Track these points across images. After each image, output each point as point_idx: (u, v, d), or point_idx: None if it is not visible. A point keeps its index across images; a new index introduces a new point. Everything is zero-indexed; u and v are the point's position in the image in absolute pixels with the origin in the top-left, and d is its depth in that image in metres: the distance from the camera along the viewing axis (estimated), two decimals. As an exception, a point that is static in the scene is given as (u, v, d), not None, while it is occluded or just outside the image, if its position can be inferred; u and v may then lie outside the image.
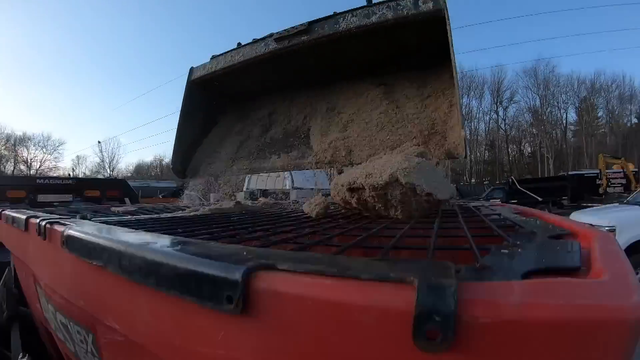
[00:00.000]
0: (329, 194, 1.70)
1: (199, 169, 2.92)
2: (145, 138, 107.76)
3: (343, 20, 2.21)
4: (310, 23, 2.32)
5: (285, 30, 2.42)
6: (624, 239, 6.87)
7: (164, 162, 61.12)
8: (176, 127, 2.88)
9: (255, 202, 2.07)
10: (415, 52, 2.40)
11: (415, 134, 2.21)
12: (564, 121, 54.13)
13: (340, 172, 2.30)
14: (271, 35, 2.48)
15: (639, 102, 51.02)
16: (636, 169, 19.75)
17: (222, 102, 3.18)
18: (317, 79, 2.80)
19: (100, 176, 51.29)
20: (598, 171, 21.34)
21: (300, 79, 2.83)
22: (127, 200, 7.42)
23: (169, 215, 1.50)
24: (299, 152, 2.63)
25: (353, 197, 1.37)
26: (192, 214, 1.58)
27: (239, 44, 2.69)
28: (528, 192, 21.30)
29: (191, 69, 2.92)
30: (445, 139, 2.12)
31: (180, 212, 1.69)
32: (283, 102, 2.98)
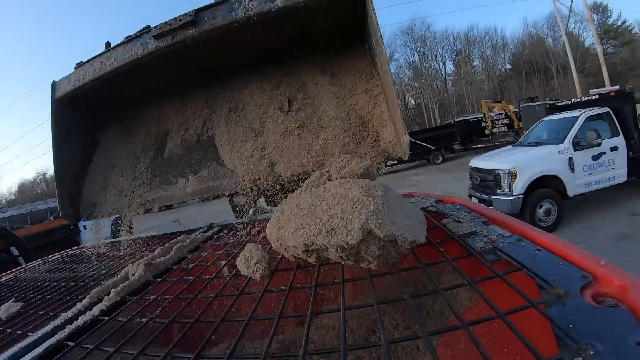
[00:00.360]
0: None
1: (93, 208, 2.35)
2: (22, 154, 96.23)
3: (240, 5, 1.76)
4: (198, 11, 1.83)
5: (165, 23, 1.89)
6: (525, 178, 7.86)
7: (47, 176, 55.61)
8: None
9: (168, 251, 1.60)
10: (327, 38, 2.05)
11: (343, 135, 1.92)
12: (443, 73, 58.98)
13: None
14: (148, 29, 1.95)
15: (510, 50, 57.35)
16: (516, 109, 21.43)
17: (100, 116, 2.54)
18: (211, 76, 2.32)
19: None
20: (482, 115, 23.09)
21: (190, 77, 2.32)
22: (13, 250, 6.28)
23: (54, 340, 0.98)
24: (210, 171, 2.18)
25: (311, 257, 1.02)
26: (96, 310, 1.10)
27: (107, 44, 2.12)
28: (420, 142, 22.40)
29: (53, 84, 2.24)
30: (379, 138, 1.86)
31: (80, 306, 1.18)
32: (173, 106, 2.46)
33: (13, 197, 56.40)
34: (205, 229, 2.11)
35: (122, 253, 2.05)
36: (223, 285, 1.15)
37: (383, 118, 1.88)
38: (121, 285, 1.24)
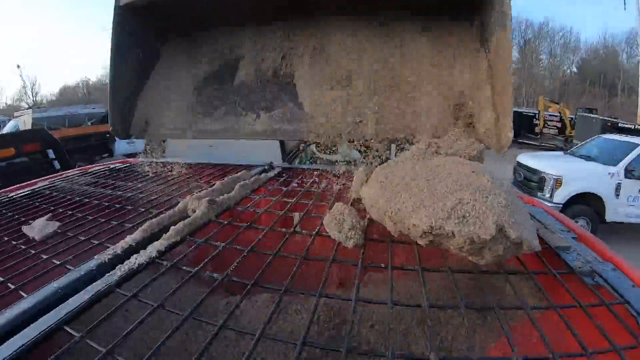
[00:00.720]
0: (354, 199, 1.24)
1: (146, 127, 2.16)
2: (68, 58, 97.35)
3: None
4: None
5: None
6: (569, 189, 7.72)
7: (90, 83, 56.77)
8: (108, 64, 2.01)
9: (229, 188, 1.43)
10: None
11: (437, 108, 1.70)
12: (507, 58, 57.02)
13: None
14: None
15: (581, 54, 54.38)
16: (572, 116, 20.53)
17: (165, 30, 2.25)
18: (299, 8, 2.00)
19: (24, 104, 46.44)
20: (537, 112, 22.04)
21: (276, 4, 2.01)
22: (50, 152, 6.25)
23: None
24: (286, 112, 1.95)
25: (424, 239, 0.87)
26: (152, 250, 0.91)
27: None
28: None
29: None
30: (474, 122, 1.62)
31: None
32: (250, 30, 2.15)
33: (54, 98, 57.65)
34: (266, 167, 1.96)
35: (172, 177, 1.90)
36: (308, 246, 0.97)
37: (483, 103, 1.62)
38: (182, 223, 1.06)
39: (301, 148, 3.07)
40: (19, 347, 0.61)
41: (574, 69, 55.40)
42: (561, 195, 7.68)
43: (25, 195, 1.67)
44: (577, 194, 7.69)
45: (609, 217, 7.72)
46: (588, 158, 8.73)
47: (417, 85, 1.77)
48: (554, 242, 1.02)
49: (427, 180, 0.94)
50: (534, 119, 21.73)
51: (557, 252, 0.97)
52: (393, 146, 1.84)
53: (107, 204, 1.42)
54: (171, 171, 2.00)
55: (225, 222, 1.16)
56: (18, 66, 50.09)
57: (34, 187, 1.79)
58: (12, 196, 1.66)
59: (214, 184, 1.50)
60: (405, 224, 0.88)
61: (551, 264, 0.91)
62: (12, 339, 0.64)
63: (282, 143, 3.06)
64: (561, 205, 7.58)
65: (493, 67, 1.56)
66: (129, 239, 0.99)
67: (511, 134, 1.38)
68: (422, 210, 0.85)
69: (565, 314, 0.72)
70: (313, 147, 4.11)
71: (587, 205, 7.76)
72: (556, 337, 0.68)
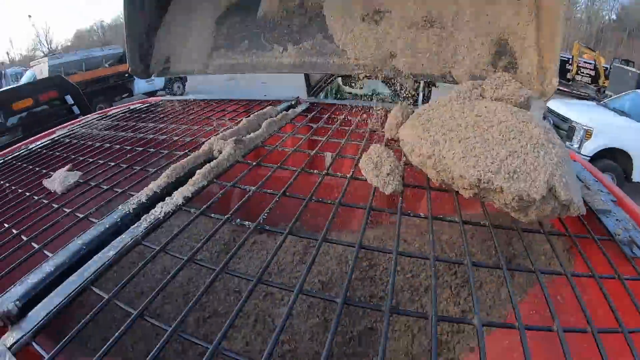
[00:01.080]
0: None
1: (167, 64, 2.05)
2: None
3: None
4: None
5: None
6: (599, 142, 7.33)
7: (105, 24, 55.67)
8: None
9: (256, 126, 1.37)
10: None
11: (478, 46, 1.54)
12: (542, -1, 54.39)
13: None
14: None
15: (622, 1, 50.46)
16: (607, 65, 19.43)
17: None
18: None
19: (39, 53, 45.81)
20: (570, 57, 20.93)
21: None
22: (68, 98, 6.19)
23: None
24: (315, 44, 1.81)
25: (469, 191, 0.82)
26: (178, 197, 0.85)
27: None
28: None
29: None
30: (516, 64, 1.47)
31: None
32: None
33: (69, 44, 56.87)
34: (293, 103, 1.87)
35: (194, 115, 1.82)
36: (343, 191, 0.90)
37: (526, 43, 1.47)
38: (208, 166, 0.99)
39: (327, 81, 2.93)
40: (46, 315, 0.57)
41: (613, 16, 51.71)
42: (590, 148, 7.30)
43: (44, 145, 1.61)
44: (605, 148, 7.31)
45: (636, 176, 7.35)
46: (621, 113, 8.20)
47: (455, 20, 1.62)
48: (594, 204, 0.98)
49: (475, 127, 0.87)
50: (567, 64, 20.68)
51: (597, 215, 0.93)
52: (421, 83, 1.71)
53: (128, 147, 1.37)
54: (193, 109, 1.92)
55: (254, 163, 1.10)
56: (29, 16, 50.19)
57: (53, 137, 1.73)
58: (31, 148, 1.61)
59: (238, 122, 1.43)
60: (450, 173, 0.83)
61: (590, 228, 0.88)
62: (38, 305, 0.60)
63: (307, 76, 2.94)
64: (589, 158, 7.22)
65: (541, 4, 1.41)
66: (153, 186, 0.94)
67: (556, 80, 1.28)
68: (470, 160, 0.79)
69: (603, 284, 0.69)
70: (339, 80, 3.96)
71: (614, 161, 7.38)
72: (592, 307, 0.66)
